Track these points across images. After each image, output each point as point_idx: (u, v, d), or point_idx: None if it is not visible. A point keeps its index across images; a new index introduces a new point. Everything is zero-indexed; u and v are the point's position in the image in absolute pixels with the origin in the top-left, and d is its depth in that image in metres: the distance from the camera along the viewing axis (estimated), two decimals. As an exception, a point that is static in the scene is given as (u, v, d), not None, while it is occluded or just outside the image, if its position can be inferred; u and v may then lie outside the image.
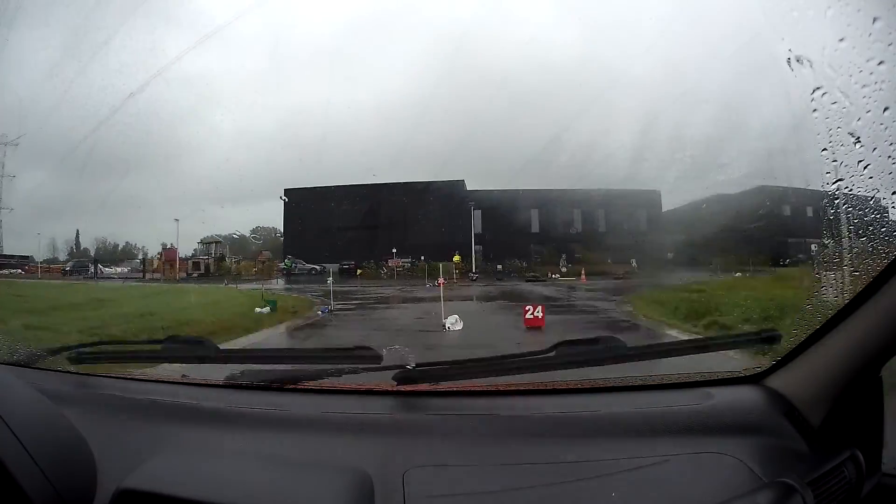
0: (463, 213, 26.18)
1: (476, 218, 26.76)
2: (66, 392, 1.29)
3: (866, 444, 1.15)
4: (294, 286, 20.31)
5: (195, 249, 29.60)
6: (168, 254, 27.37)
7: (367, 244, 26.28)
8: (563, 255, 25.46)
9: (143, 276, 25.49)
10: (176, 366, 1.59)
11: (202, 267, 27.96)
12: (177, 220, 22.96)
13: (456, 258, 23.68)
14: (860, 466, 1.10)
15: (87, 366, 1.49)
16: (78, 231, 25.75)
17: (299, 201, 27.85)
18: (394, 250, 25.32)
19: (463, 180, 25.99)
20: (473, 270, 24.46)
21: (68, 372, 1.51)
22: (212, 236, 29.17)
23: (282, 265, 25.53)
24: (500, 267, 25.74)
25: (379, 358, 1.39)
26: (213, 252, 30.25)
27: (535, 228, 27.60)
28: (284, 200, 28.42)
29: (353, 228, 27.03)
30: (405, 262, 26.14)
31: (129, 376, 1.47)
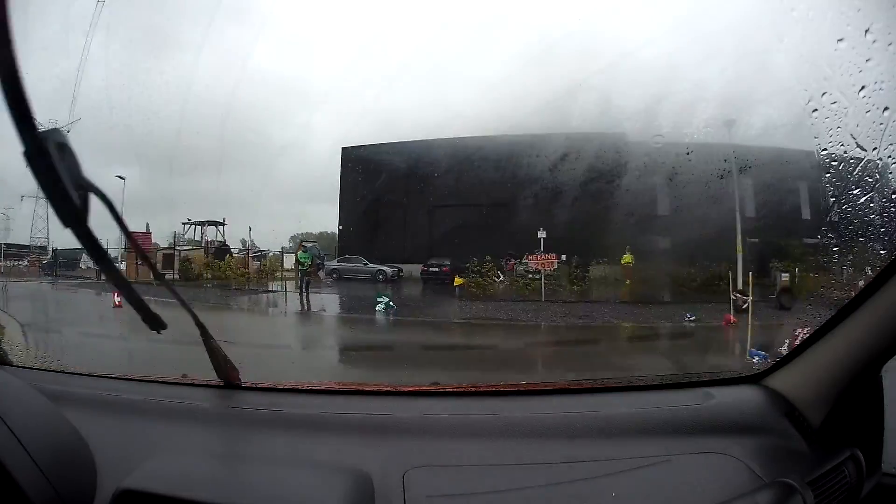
0: (639, 181, 14.66)
1: (660, 188, 14.96)
2: (66, 392, 1.29)
3: (866, 444, 1.15)
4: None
5: (176, 234, 19.19)
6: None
7: (477, 233, 15.94)
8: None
9: (98, 277, 14.88)
10: (176, 366, 1.59)
11: (173, 264, 17.26)
12: (121, 177, 14.09)
13: (626, 258, 14.42)
14: (860, 466, 1.10)
15: (81, 364, 1.48)
16: (148, 224, 18.07)
17: (365, 167, 17.09)
18: (541, 235, 13.84)
19: (623, 133, 15.32)
20: (740, 289, 10.83)
21: (68, 372, 1.51)
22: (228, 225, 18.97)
23: (301, 263, 14.50)
24: (784, 277, 12.14)
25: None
26: (202, 240, 19.60)
27: (750, 211, 14.18)
28: (340, 167, 17.56)
29: (453, 206, 16.68)
30: (556, 261, 14.32)
31: (130, 376, 1.47)
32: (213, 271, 17.24)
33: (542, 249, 14.18)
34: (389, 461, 1.05)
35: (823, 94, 1.43)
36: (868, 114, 1.30)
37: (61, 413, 1.02)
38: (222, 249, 19.12)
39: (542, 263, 14.17)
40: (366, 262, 17.45)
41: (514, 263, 15.52)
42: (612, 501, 1.00)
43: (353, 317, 11.41)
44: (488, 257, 15.02)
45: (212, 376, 1.40)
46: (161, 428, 1.20)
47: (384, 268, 17.09)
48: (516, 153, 15.56)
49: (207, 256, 18.47)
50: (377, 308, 10.73)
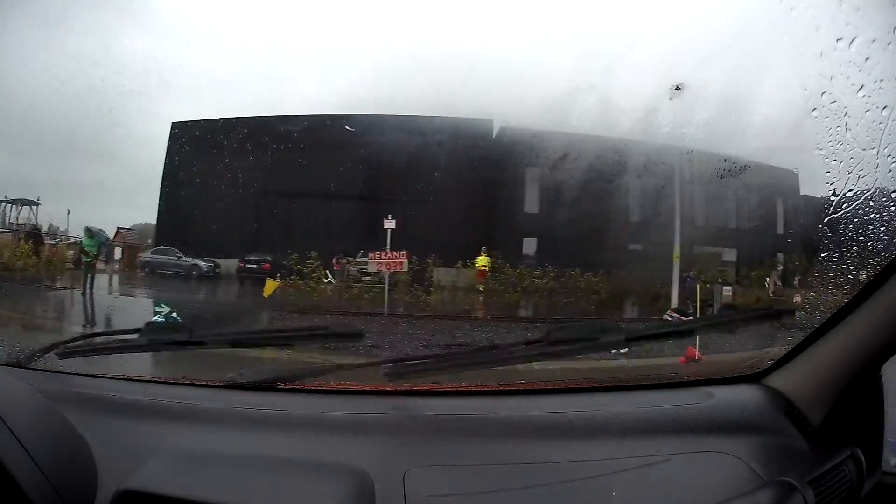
0: (500, 174, 12.85)
1: (531, 182, 13.29)
2: (66, 393, 1.29)
3: (867, 443, 1.15)
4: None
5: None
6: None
7: (318, 225, 13.21)
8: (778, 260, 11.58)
9: None
10: (176, 366, 1.58)
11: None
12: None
13: (482, 259, 11.72)
14: (860, 465, 1.10)
15: (81, 364, 1.48)
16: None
17: (194, 146, 13.98)
18: (388, 225, 10.11)
19: (491, 120, 13.01)
20: (676, 307, 9.54)
21: (68, 373, 1.50)
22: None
23: (85, 252, 11.20)
24: (727, 291, 10.62)
25: (360, 335, 1.36)
26: (15, 221, 15.78)
27: (635, 214, 13.06)
28: (167, 145, 14.02)
29: (291, 193, 13.70)
30: (399, 260, 10.16)
31: (130, 377, 1.47)
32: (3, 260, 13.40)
33: (388, 245, 10.02)
34: (389, 461, 1.05)
35: (823, 93, 1.43)
36: (868, 113, 1.30)
37: (61, 413, 1.02)
38: (31, 234, 15.31)
39: (388, 264, 9.93)
40: (180, 255, 14.16)
41: (345, 262, 12.18)
42: (612, 501, 1.00)
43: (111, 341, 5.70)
44: (314, 253, 11.23)
45: (211, 376, 1.40)
46: (161, 428, 1.20)
47: (199, 262, 13.93)
48: (372, 133, 12.07)
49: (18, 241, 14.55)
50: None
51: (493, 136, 13.31)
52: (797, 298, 9.39)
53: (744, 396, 1.32)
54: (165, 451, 1.05)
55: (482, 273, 11.68)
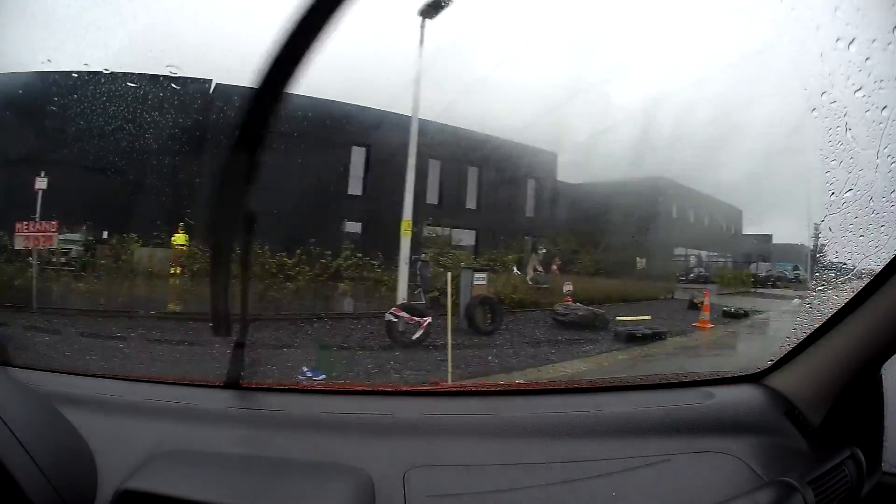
0: (208, 139, 10.72)
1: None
2: (66, 392, 1.29)
3: (867, 443, 1.15)
4: None
5: None
6: None
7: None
8: (535, 244, 10.72)
9: None
10: (176, 366, 1.58)
11: None
12: None
13: (179, 237, 9.88)
14: (860, 465, 1.10)
15: (81, 364, 1.48)
16: None
17: None
18: (40, 186, 7.80)
19: (210, 80, 11.32)
20: (405, 304, 6.83)
21: (68, 372, 1.50)
22: None
23: None
24: (480, 280, 7.15)
25: None
26: None
27: (355, 188, 11.84)
28: None
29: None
30: (48, 233, 7.42)
31: (130, 376, 1.47)
32: None
33: (37, 214, 7.56)
34: (389, 461, 1.05)
35: (823, 93, 1.43)
36: (867, 113, 1.30)
37: (61, 413, 1.02)
38: None
39: (35, 237, 7.63)
40: None
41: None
42: (612, 501, 1.00)
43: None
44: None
45: (211, 376, 1.40)
46: (161, 428, 1.20)
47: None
48: (76, 94, 9.87)
49: None
50: None
51: (209, 95, 11.22)
52: (568, 287, 8.86)
53: (744, 396, 1.32)
54: (165, 451, 1.05)
55: (176, 255, 9.65)
